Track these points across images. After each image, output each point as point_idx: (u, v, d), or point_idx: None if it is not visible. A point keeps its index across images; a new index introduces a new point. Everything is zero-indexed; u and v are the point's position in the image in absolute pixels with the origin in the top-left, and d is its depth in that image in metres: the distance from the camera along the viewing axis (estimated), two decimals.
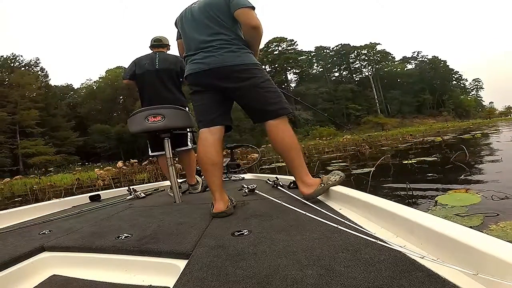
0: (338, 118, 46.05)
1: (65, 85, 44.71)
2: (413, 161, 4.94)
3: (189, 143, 2.37)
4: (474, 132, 13.09)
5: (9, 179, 14.11)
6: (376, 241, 0.77)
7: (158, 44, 2.44)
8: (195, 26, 1.47)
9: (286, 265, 0.71)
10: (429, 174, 3.83)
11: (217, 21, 1.40)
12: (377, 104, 52.17)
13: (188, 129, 2.28)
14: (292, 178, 1.96)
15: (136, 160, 14.89)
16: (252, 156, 10.88)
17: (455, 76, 63.05)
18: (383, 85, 54.22)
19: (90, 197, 2.34)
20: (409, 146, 9.52)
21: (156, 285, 0.87)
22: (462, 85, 65.42)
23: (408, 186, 2.74)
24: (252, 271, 0.70)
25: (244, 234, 0.99)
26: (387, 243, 0.75)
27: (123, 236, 1.10)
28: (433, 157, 5.42)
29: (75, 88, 45.30)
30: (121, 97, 37.96)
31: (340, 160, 7.47)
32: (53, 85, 40.08)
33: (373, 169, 3.48)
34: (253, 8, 1.37)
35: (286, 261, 0.73)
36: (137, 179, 8.95)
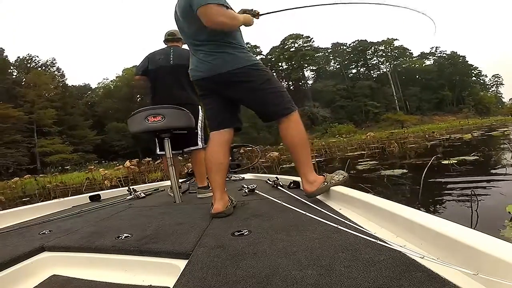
0: (356, 116, 45.45)
1: (83, 85, 45.70)
2: (453, 161, 4.30)
3: (199, 143, 2.23)
4: (501, 129, 12.10)
5: (18, 178, 13.81)
6: (376, 241, 0.77)
7: (172, 38, 2.35)
8: (181, 27, 1.46)
9: (286, 265, 0.71)
10: (479, 177, 3.28)
11: (196, 25, 1.31)
12: (396, 101, 50.88)
13: (198, 129, 2.20)
14: (292, 178, 1.97)
15: (150, 158, 14.65)
16: (272, 155, 9.79)
17: (475, 72, 60.57)
18: (401, 82, 52.78)
19: (90, 197, 2.34)
20: (437, 143, 8.82)
21: (156, 285, 0.87)
22: (481, 81, 62.92)
23: (475, 201, 2.11)
24: (252, 271, 0.70)
25: (244, 234, 0.99)
26: (387, 243, 0.75)
27: (123, 236, 1.10)
28: (473, 155, 4.81)
29: (93, 87, 46.09)
30: (138, 95, 38.09)
31: (368, 159, 6.88)
32: (70, 85, 41.00)
33: (423, 173, 2.72)
34: (215, 3, 1.21)
35: (286, 261, 0.73)
36: (150, 178, 8.22)
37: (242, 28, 1.47)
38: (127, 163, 10.45)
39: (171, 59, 2.22)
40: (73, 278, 0.97)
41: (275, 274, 0.67)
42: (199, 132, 2.24)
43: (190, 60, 1.47)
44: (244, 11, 1.49)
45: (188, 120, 1.97)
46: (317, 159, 8.53)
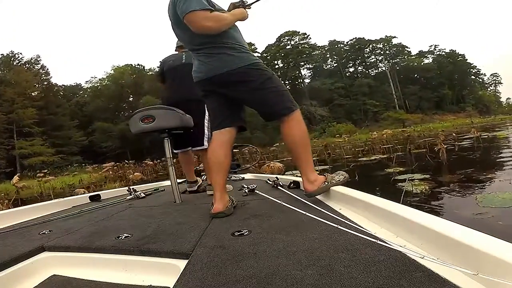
0: (355, 115, 44.54)
1: (74, 84, 44.16)
2: None
3: (205, 143, 2.19)
4: None
5: None
6: (376, 241, 0.77)
7: (181, 45, 2.46)
8: (177, 34, 1.47)
9: (286, 265, 0.71)
10: None
11: (190, 31, 1.32)
12: (395, 99, 48.80)
13: (205, 128, 2.20)
14: (292, 178, 1.97)
15: (126, 161, 13.14)
16: (273, 166, 6.95)
17: (473, 71, 59.27)
18: (400, 80, 50.86)
19: (90, 197, 2.34)
20: (473, 144, 7.25)
21: (156, 285, 0.87)
22: (480, 79, 61.77)
23: None
24: (252, 271, 0.70)
25: (244, 234, 0.99)
26: (387, 243, 0.75)
27: (123, 236, 1.10)
28: None
29: (84, 87, 44.26)
30: (130, 95, 36.53)
31: (401, 168, 4.82)
32: (61, 84, 39.22)
33: None
34: (198, 9, 1.24)
35: (286, 261, 0.73)
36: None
37: (240, 23, 1.46)
38: (15, 178, 7.43)
39: (183, 59, 2.32)
40: (73, 278, 0.97)
41: (275, 274, 0.67)
42: (206, 131, 2.21)
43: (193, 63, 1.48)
44: (234, 6, 1.47)
45: (179, 120, 1.93)
46: (319, 166, 6.39)
